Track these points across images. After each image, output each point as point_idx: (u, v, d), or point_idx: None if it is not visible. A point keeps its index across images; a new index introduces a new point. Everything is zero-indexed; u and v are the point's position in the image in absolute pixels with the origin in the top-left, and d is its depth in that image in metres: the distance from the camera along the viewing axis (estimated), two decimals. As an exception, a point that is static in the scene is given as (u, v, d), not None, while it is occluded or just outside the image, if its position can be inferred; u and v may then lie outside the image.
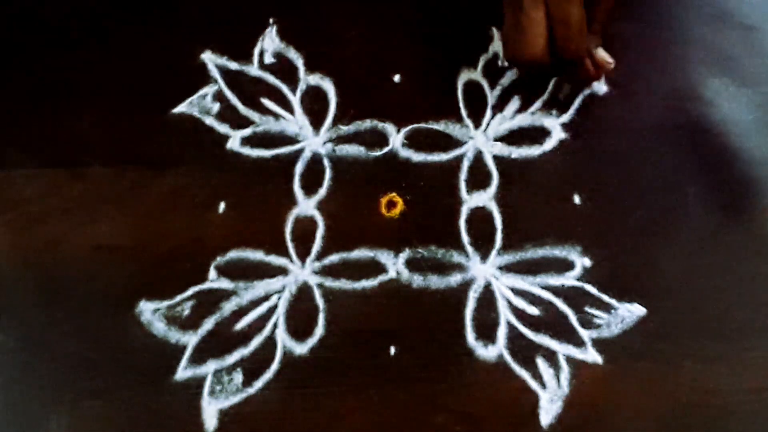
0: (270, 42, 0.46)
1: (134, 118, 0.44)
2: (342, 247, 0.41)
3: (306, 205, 0.42)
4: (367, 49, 0.46)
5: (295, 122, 0.44)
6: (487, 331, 0.39)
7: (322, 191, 0.42)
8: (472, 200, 0.42)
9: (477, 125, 0.44)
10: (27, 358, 0.38)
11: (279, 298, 0.40)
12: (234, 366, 0.38)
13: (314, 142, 0.43)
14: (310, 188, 0.42)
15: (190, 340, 0.38)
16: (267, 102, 0.44)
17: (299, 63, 0.45)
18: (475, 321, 0.39)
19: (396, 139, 0.43)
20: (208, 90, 0.45)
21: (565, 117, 0.44)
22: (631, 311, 0.39)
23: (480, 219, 0.41)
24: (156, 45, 0.46)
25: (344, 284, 0.40)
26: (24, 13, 0.47)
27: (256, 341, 0.38)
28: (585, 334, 0.39)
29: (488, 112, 0.44)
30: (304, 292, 0.40)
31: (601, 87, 0.45)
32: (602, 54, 0.41)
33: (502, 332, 0.39)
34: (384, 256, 0.40)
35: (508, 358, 0.38)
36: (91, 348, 0.38)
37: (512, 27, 0.40)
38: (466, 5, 0.46)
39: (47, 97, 0.44)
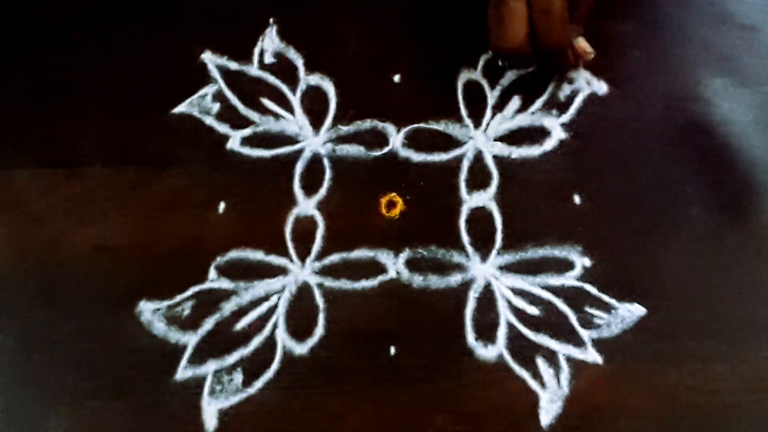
0: (270, 42, 0.46)
1: (134, 118, 0.44)
2: (342, 247, 0.41)
3: (306, 205, 0.42)
4: (367, 49, 0.46)
5: (295, 122, 0.44)
6: (487, 331, 0.39)
7: (322, 191, 0.42)
8: (472, 200, 0.42)
9: (477, 125, 0.44)
10: (27, 358, 0.38)
11: (279, 298, 0.40)
12: (234, 366, 0.38)
13: (314, 142, 0.43)
14: (310, 188, 0.42)
15: (190, 340, 0.38)
16: (267, 102, 0.44)
17: (299, 63, 0.45)
18: (475, 321, 0.39)
19: (396, 139, 0.43)
20: (208, 90, 0.45)
21: (565, 117, 0.44)
22: (631, 311, 0.39)
23: (480, 219, 0.41)
24: (156, 45, 0.46)
25: (344, 284, 0.40)
26: (24, 13, 0.47)
27: (256, 341, 0.38)
28: (585, 334, 0.39)
29: (488, 112, 0.44)
30: (304, 292, 0.40)
31: (601, 87, 0.45)
32: (583, 43, 0.42)
33: (502, 332, 0.39)
34: (384, 256, 0.40)
35: (508, 358, 0.38)
36: (91, 348, 0.38)
37: (494, 17, 0.40)
38: (466, 5, 0.46)
39: (47, 97, 0.44)
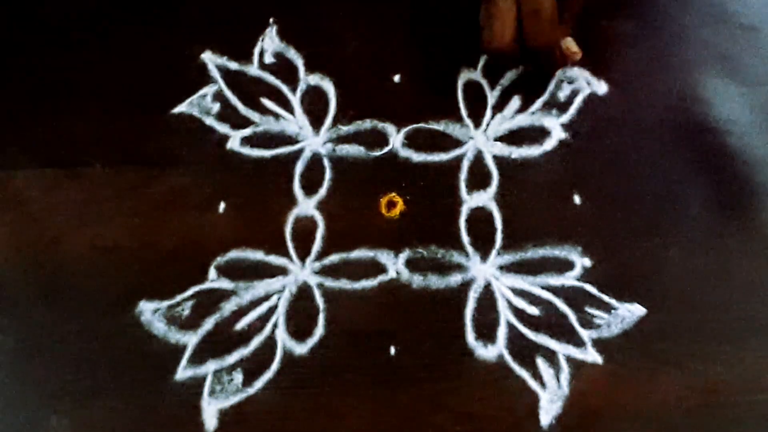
0: (270, 42, 0.46)
1: (134, 118, 0.44)
2: (342, 247, 0.41)
3: (306, 205, 0.42)
4: (367, 49, 0.46)
5: (295, 122, 0.44)
6: (487, 331, 0.39)
7: (322, 191, 0.42)
8: (472, 200, 0.42)
9: (477, 125, 0.44)
10: (27, 358, 0.38)
11: (279, 298, 0.39)
12: (234, 366, 0.38)
13: (314, 142, 0.43)
14: (310, 188, 0.42)
15: (190, 340, 0.38)
16: (267, 102, 0.44)
17: (299, 63, 0.45)
18: (475, 321, 0.39)
19: (396, 139, 0.43)
20: (208, 90, 0.45)
21: (565, 117, 0.44)
22: (631, 311, 0.39)
23: (480, 219, 0.41)
24: (156, 45, 0.46)
25: (344, 284, 0.40)
26: (24, 13, 0.47)
27: (256, 341, 0.38)
28: (585, 334, 0.39)
29: (488, 112, 0.44)
30: (304, 292, 0.40)
31: (601, 87, 0.45)
32: (570, 44, 0.42)
33: (502, 332, 0.39)
34: (384, 256, 0.40)
35: (508, 358, 0.38)
36: (91, 348, 0.38)
37: (485, 16, 0.40)
38: (466, 5, 0.46)
39: (47, 97, 0.44)
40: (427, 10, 0.47)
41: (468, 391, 0.37)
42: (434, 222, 0.41)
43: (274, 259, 0.40)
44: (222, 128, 0.44)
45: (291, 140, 0.43)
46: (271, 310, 0.39)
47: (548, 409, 0.37)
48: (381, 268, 0.40)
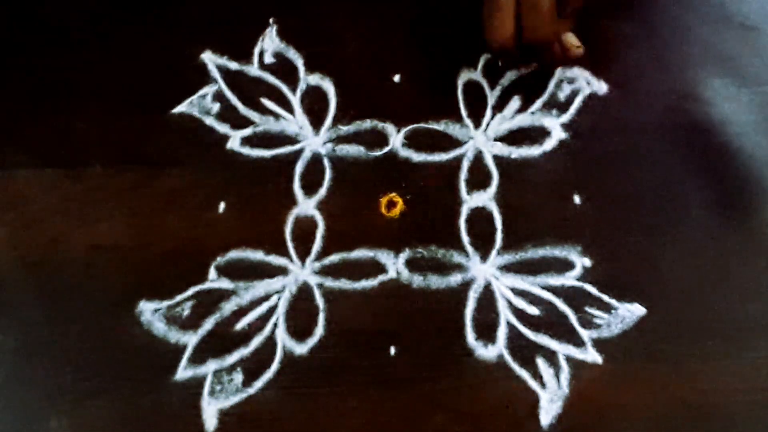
0: (270, 42, 0.46)
1: (134, 118, 0.44)
2: (342, 247, 0.41)
3: (306, 205, 0.42)
4: (367, 49, 0.46)
5: (295, 122, 0.44)
6: (487, 331, 0.39)
7: (322, 191, 0.42)
8: (472, 200, 0.42)
9: (477, 125, 0.44)
10: (27, 358, 0.38)
11: (279, 298, 0.39)
12: (234, 366, 0.38)
13: (314, 142, 0.43)
14: (310, 188, 0.42)
15: (190, 340, 0.38)
16: (267, 102, 0.44)
17: (299, 63, 0.45)
18: (475, 321, 0.39)
19: (396, 139, 0.43)
20: (208, 90, 0.45)
21: (565, 117, 0.44)
22: (631, 311, 0.39)
23: (480, 219, 0.41)
24: (156, 45, 0.46)
25: (344, 284, 0.40)
26: (24, 13, 0.47)
27: (256, 341, 0.38)
28: (585, 334, 0.39)
29: (488, 112, 0.44)
30: (304, 292, 0.40)
31: (601, 87, 0.45)
32: (571, 39, 0.42)
33: (502, 332, 0.39)
34: (384, 256, 0.40)
35: (508, 358, 0.38)
36: (91, 348, 0.38)
37: (486, 11, 0.40)
38: (466, 5, 0.46)
39: (47, 97, 0.44)
40: (427, 10, 0.47)
41: (468, 391, 0.37)
42: (434, 222, 0.41)
43: (274, 259, 0.40)
44: (222, 128, 0.44)
45: (291, 140, 0.43)
46: (271, 310, 0.39)
47: (548, 409, 0.37)
48: (381, 268, 0.40)
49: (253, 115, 0.44)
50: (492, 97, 0.45)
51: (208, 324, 0.39)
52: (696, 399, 0.37)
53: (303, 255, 0.40)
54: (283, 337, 0.39)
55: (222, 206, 0.41)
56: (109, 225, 0.41)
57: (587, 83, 0.45)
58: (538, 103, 0.45)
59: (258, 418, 0.37)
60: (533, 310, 0.39)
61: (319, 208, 0.42)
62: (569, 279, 0.40)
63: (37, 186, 0.42)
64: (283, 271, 0.40)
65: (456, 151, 0.43)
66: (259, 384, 0.38)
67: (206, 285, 0.40)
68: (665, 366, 0.38)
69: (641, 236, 0.41)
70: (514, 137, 0.44)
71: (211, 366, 0.38)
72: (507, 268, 0.40)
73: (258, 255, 0.40)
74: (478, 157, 0.43)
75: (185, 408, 0.37)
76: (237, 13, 0.47)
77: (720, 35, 0.46)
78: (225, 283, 0.40)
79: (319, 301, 0.39)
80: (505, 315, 0.39)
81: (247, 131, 0.44)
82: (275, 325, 0.39)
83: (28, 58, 0.46)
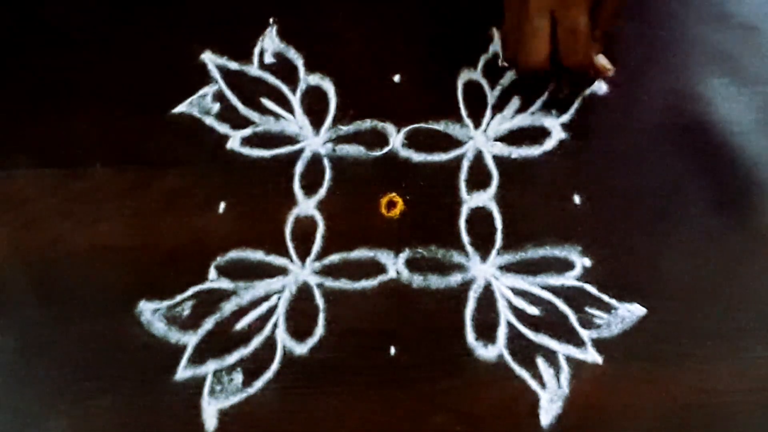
0: (270, 42, 0.46)
1: (134, 118, 0.44)
2: (342, 247, 0.41)
3: (306, 205, 0.42)
4: (367, 49, 0.46)
5: (295, 122, 0.44)
6: (487, 331, 0.39)
7: (322, 191, 0.42)
8: (472, 200, 0.42)
9: (477, 125, 0.44)
10: (27, 358, 0.38)
11: (279, 298, 0.39)
12: (234, 366, 0.38)
13: (314, 142, 0.43)
14: (310, 188, 0.42)
15: (190, 340, 0.38)
16: (267, 102, 0.44)
17: (299, 63, 0.45)
18: (475, 321, 0.39)
19: (396, 139, 0.43)
20: (208, 90, 0.45)
21: (565, 117, 0.44)
22: (631, 311, 0.39)
23: (480, 219, 0.41)
24: (156, 45, 0.46)
25: (344, 284, 0.40)
26: (24, 13, 0.47)
27: (256, 341, 0.38)
28: (585, 334, 0.39)
29: (488, 112, 0.44)
30: (304, 292, 0.40)
31: (601, 87, 0.45)
32: (603, 61, 0.41)
33: (502, 332, 0.39)
34: (384, 256, 0.40)
35: (508, 358, 0.38)
36: (91, 348, 0.38)
37: (514, 31, 0.40)
38: (466, 5, 0.46)
39: (47, 97, 0.44)
40: (427, 10, 0.47)
41: (468, 391, 0.37)
42: (434, 222, 0.41)
43: (274, 259, 0.40)
44: (222, 128, 0.44)
45: (291, 140, 0.43)
46: (271, 310, 0.39)
47: (548, 409, 0.37)
48: (381, 268, 0.40)
49: (253, 115, 0.44)
50: (492, 97, 0.45)
51: (208, 324, 0.39)
52: (696, 399, 0.37)
53: (303, 255, 0.40)
54: (283, 337, 0.39)
55: (222, 206, 0.41)
56: (109, 225, 0.41)
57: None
58: (538, 103, 0.44)
59: (258, 418, 0.37)
60: (533, 310, 0.39)
61: (319, 208, 0.42)
62: (569, 279, 0.40)
63: (37, 186, 0.42)
64: (283, 271, 0.40)
65: (456, 151, 0.43)
66: (259, 384, 0.38)
67: (206, 285, 0.40)
68: (665, 366, 0.38)
69: (641, 236, 0.41)
70: (514, 137, 0.44)
71: (211, 366, 0.38)
72: (507, 268, 0.40)
73: (258, 255, 0.40)
74: (478, 157, 0.43)
75: (185, 408, 0.37)
76: (237, 13, 0.47)
77: (720, 35, 0.46)
78: (225, 283, 0.40)
79: (319, 301, 0.39)
80: (505, 315, 0.39)
81: (247, 131, 0.44)
82: (275, 325, 0.39)
83: (28, 58, 0.46)
